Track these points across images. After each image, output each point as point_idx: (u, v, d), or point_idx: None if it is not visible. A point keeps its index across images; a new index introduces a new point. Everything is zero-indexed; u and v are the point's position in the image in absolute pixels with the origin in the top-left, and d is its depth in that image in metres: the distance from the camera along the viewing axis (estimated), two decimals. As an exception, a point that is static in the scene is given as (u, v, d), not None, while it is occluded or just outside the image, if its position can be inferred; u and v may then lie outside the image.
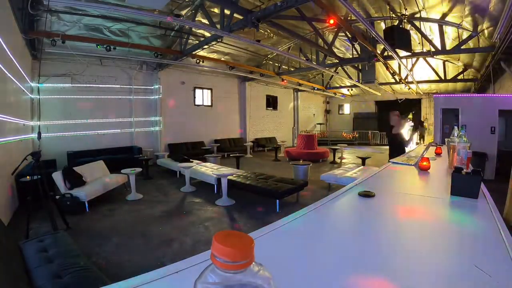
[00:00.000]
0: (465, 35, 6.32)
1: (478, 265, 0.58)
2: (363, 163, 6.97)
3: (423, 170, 1.74)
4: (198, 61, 8.27)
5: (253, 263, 0.31)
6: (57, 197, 4.01)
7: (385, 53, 7.39)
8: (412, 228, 0.89)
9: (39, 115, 5.82)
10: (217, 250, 0.29)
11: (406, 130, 4.33)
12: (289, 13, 5.51)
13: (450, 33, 6.67)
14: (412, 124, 3.68)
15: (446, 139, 2.45)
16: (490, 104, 6.35)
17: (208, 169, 5.88)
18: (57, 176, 4.27)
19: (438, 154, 2.46)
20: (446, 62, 9.31)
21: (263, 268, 0.32)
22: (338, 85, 13.94)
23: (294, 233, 0.80)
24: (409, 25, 6.63)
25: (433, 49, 6.92)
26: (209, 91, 10.83)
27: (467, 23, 5.87)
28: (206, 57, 8.47)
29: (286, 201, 4.50)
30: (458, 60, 8.87)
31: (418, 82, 10.69)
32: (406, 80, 10.73)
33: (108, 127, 7.99)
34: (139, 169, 5.17)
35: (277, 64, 10.60)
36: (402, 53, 6.92)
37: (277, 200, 4.22)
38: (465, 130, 1.69)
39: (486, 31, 5.64)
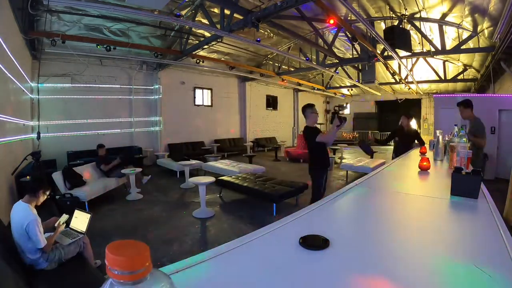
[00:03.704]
0: (465, 35, 6.32)
1: (478, 265, 0.58)
2: (372, 156, 7.86)
3: (423, 170, 1.74)
4: (198, 61, 8.27)
5: (158, 272, 0.30)
6: (57, 197, 4.01)
7: (385, 53, 7.38)
8: (412, 228, 0.89)
9: (39, 115, 5.82)
10: (111, 260, 0.27)
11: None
12: (289, 13, 5.51)
13: (450, 33, 6.67)
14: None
15: (446, 139, 2.44)
16: (490, 104, 6.35)
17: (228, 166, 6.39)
18: (57, 176, 4.26)
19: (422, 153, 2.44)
20: (446, 62, 9.30)
21: (167, 278, 0.31)
22: (338, 85, 13.94)
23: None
24: (409, 25, 6.63)
25: (433, 49, 6.91)
26: (209, 91, 10.83)
27: (467, 23, 5.87)
28: (206, 57, 8.47)
29: (286, 203, 4.43)
30: (458, 60, 8.87)
31: (418, 82, 10.68)
32: (406, 80, 10.73)
33: (108, 127, 7.98)
34: (139, 169, 5.17)
35: (277, 64, 10.60)
36: (402, 53, 6.92)
37: (274, 204, 4.10)
38: (465, 130, 1.69)
39: (486, 31, 5.64)
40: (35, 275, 1.79)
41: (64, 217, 2.23)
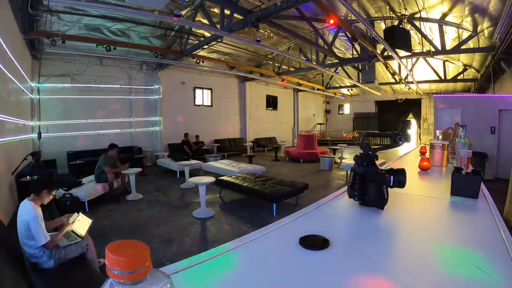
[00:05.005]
0: (465, 35, 6.32)
1: (478, 265, 0.58)
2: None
3: (423, 170, 1.74)
4: (198, 61, 8.27)
5: (158, 273, 0.30)
6: (57, 197, 4.00)
7: (385, 53, 7.38)
8: (411, 228, 0.89)
9: (39, 115, 5.82)
10: (111, 260, 0.28)
11: None
12: (289, 13, 5.51)
13: (450, 33, 6.67)
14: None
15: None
16: (490, 104, 6.35)
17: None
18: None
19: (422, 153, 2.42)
20: (446, 62, 9.30)
21: (167, 278, 0.31)
22: (338, 85, 13.94)
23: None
24: (409, 25, 6.63)
25: (433, 49, 6.91)
26: (209, 91, 10.83)
27: (467, 23, 5.87)
28: (206, 57, 8.47)
29: (286, 203, 4.43)
30: (458, 60, 8.86)
31: (418, 82, 10.68)
32: (406, 80, 10.73)
33: (108, 127, 7.98)
34: (138, 169, 5.17)
35: (277, 64, 10.60)
36: (402, 53, 6.92)
37: (274, 204, 4.10)
38: (465, 130, 1.69)
39: (486, 31, 5.64)
40: (36, 275, 1.79)
41: (75, 215, 2.24)
